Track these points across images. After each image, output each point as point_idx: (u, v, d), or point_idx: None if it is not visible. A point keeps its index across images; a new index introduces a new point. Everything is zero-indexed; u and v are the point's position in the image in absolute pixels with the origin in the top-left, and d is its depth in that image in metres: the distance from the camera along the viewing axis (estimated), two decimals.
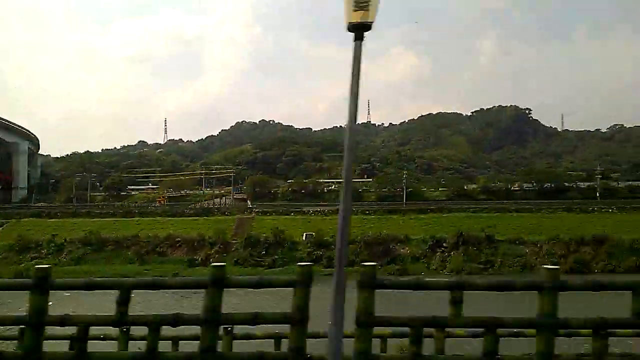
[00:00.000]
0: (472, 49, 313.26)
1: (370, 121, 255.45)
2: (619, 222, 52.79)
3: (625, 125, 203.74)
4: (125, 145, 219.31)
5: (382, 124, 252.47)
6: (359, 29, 3.69)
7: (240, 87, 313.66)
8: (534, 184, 65.71)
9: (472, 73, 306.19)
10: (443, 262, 46.96)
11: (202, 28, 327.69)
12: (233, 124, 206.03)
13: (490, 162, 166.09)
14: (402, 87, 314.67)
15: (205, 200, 67.13)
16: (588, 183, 63.64)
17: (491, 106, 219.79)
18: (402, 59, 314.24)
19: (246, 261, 44.91)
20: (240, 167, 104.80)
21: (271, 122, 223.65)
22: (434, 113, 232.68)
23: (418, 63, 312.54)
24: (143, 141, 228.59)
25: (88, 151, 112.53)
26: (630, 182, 65.38)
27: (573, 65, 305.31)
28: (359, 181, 79.47)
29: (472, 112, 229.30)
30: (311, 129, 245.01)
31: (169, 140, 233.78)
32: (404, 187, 65.40)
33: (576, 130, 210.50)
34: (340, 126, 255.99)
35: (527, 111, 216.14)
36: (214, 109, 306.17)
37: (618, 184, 64.71)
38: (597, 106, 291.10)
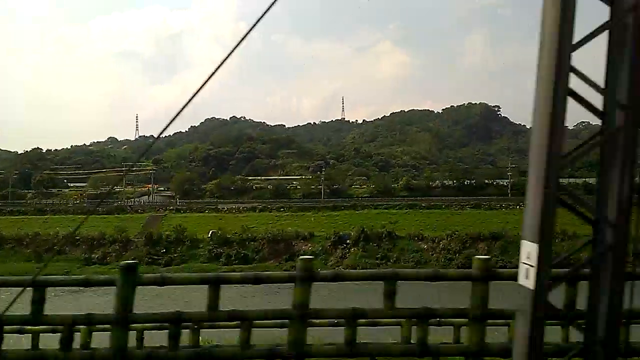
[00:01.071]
0: (460, 46, 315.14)
1: (344, 118, 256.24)
2: (518, 218, 54.09)
3: (591, 123, 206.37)
4: (96, 141, 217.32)
5: (356, 120, 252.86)
6: None
7: (223, 84, 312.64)
8: (454, 182, 66.90)
9: (459, 70, 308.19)
10: (342, 258, 47.79)
11: (186, 24, 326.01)
12: (202, 120, 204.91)
13: (454, 159, 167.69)
14: (389, 84, 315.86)
15: (130, 198, 67.32)
16: (506, 180, 64.87)
17: (461, 103, 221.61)
18: (391, 56, 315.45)
19: (142, 259, 45.19)
20: (166, 164, 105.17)
21: (242, 119, 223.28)
22: (406, 110, 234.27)
23: (406, 60, 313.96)
24: (113, 137, 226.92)
25: (37, 148, 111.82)
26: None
27: None
28: (287, 178, 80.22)
29: (442, 109, 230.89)
30: (284, 125, 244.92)
31: (140, 136, 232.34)
32: (322, 185, 66.24)
33: None
34: (314, 123, 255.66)
35: (496, 108, 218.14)
36: (195, 105, 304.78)
37: None
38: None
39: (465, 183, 66.46)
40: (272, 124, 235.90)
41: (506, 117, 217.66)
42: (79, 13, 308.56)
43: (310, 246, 49.23)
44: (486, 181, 67.17)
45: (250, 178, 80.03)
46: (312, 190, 66.59)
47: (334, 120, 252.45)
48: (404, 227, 52.10)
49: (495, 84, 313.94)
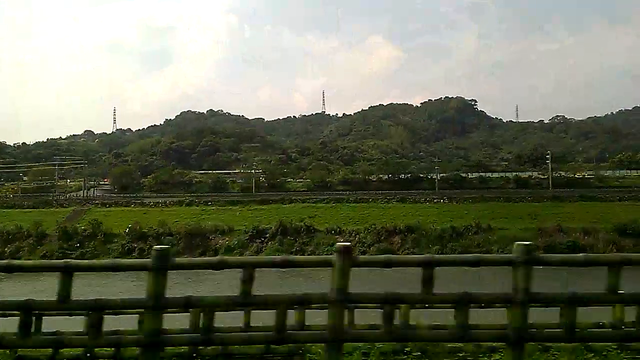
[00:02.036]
0: (449, 41, 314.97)
1: (324, 111, 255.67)
2: (445, 211, 54.71)
3: (566, 117, 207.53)
4: (71, 134, 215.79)
5: (337, 114, 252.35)
6: None
7: (210, 77, 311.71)
8: (390, 176, 67.42)
9: (448, 64, 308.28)
10: (258, 252, 48.08)
11: (175, 16, 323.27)
12: (178, 113, 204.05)
13: (426, 153, 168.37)
14: (379, 77, 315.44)
15: (67, 192, 67.33)
16: (443, 174, 65.40)
17: (438, 97, 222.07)
18: (381, 50, 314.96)
19: (54, 253, 45.29)
20: (126, 157, 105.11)
21: (219, 112, 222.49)
22: (385, 104, 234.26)
23: (396, 54, 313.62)
24: (89, 131, 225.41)
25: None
26: (482, 174, 67.39)
27: (548, 59, 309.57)
28: (226, 173, 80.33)
29: (420, 103, 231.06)
30: (263, 119, 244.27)
31: (118, 129, 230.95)
32: (259, 178, 66.59)
33: (520, 121, 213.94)
34: (294, 116, 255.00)
35: (472, 102, 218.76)
36: (180, 98, 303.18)
37: (468, 175, 66.58)
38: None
39: (401, 177, 66.99)
40: (251, 118, 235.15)
41: (483, 112, 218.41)
42: (70, 2, 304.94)
43: (227, 240, 49.51)
44: (421, 175, 67.68)
45: (195, 173, 79.88)
46: (250, 184, 66.67)
47: (314, 113, 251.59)
48: (326, 221, 52.56)
49: (481, 78, 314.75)
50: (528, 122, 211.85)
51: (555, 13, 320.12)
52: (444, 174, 64.97)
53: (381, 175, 68.82)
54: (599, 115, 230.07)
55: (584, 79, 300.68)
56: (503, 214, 53.66)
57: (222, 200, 57.19)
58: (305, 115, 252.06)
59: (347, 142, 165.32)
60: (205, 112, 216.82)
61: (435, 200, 56.18)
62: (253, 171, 70.09)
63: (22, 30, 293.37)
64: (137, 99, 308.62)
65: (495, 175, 68.02)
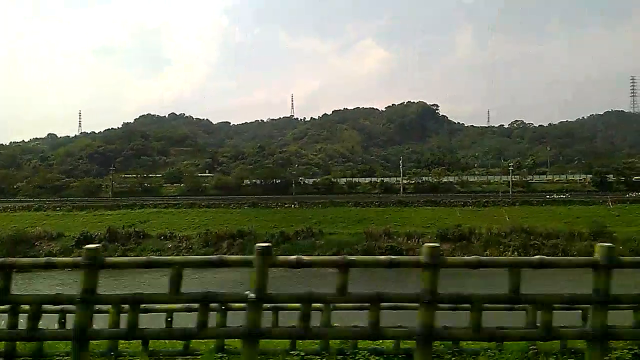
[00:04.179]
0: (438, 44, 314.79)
1: (293, 115, 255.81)
2: (291, 215, 54.77)
3: (524, 121, 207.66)
4: (34, 137, 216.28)
5: (304, 118, 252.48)
6: None
7: (199, 80, 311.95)
8: (263, 181, 67.42)
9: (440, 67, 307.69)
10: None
11: (166, 18, 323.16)
12: (137, 117, 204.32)
13: (377, 157, 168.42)
14: (365, 80, 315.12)
15: None
16: (315, 180, 65.42)
17: (401, 102, 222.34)
18: (371, 53, 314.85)
19: None
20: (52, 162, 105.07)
21: (182, 115, 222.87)
22: (350, 108, 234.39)
23: (386, 57, 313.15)
24: (53, 134, 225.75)
25: None
26: (354, 179, 67.45)
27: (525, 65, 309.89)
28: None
29: (385, 107, 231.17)
30: (229, 122, 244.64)
31: (82, 132, 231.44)
32: (112, 183, 66.59)
33: (480, 125, 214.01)
34: (262, 120, 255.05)
35: (434, 107, 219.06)
36: (167, 100, 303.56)
37: (337, 180, 66.62)
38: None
39: (275, 182, 66.98)
40: (215, 122, 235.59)
41: (444, 116, 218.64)
42: (57, 4, 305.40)
43: (53, 246, 49.43)
44: (300, 180, 67.67)
45: (67, 178, 79.79)
46: (124, 189, 66.74)
47: (281, 117, 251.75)
48: (165, 227, 52.57)
49: (451, 83, 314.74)
50: (488, 126, 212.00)
51: (541, 17, 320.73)
52: (316, 180, 64.97)
53: (255, 180, 68.78)
54: (570, 120, 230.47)
55: (558, 84, 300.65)
56: (344, 217, 53.70)
57: (69, 205, 57.14)
58: (273, 119, 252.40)
59: (295, 147, 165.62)
60: (166, 116, 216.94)
61: (286, 205, 56.16)
62: (124, 176, 70.01)
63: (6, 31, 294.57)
64: (126, 101, 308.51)
65: (367, 180, 67.96)
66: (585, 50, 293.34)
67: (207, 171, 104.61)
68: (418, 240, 47.99)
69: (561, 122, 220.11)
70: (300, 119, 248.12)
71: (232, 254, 48.67)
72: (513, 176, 59.82)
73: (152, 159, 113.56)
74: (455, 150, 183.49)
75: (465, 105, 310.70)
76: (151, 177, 75.34)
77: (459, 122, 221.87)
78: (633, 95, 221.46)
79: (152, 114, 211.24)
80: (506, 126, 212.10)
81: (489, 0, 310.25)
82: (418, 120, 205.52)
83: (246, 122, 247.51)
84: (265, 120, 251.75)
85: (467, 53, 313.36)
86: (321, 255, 44.83)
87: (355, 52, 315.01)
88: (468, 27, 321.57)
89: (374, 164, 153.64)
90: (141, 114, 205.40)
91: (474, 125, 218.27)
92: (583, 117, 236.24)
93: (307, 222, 52.37)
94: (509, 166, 67.21)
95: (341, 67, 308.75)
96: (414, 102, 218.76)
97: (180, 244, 49.39)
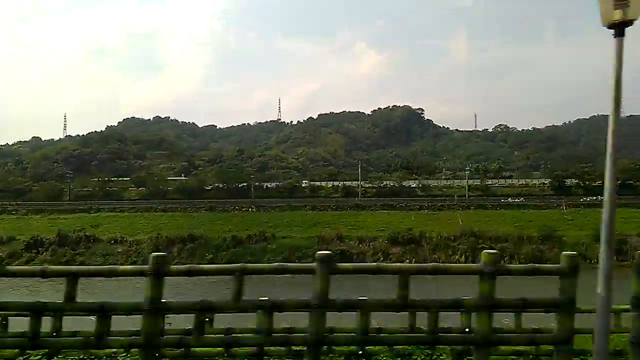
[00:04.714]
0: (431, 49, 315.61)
1: (279, 119, 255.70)
2: (247, 219, 54.58)
3: (508, 126, 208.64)
4: (18, 140, 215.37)
5: (291, 122, 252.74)
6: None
7: (194, 82, 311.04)
8: (223, 185, 67.21)
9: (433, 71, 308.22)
10: (28, 262, 47.51)
11: (160, 21, 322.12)
12: (120, 120, 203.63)
13: (360, 160, 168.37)
14: (363, 83, 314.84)
15: None
16: (278, 183, 65.31)
17: (385, 106, 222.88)
18: (365, 57, 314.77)
19: None
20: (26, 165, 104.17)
21: (166, 119, 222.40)
22: (337, 112, 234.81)
23: (380, 60, 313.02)
24: (37, 137, 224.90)
25: None
26: (317, 183, 67.45)
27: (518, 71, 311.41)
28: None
29: (371, 111, 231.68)
30: (215, 126, 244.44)
31: (67, 136, 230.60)
32: (69, 187, 66.16)
33: (465, 130, 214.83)
34: (249, 124, 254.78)
35: (419, 111, 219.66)
36: (161, 103, 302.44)
37: (300, 184, 66.58)
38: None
39: (238, 186, 66.75)
40: (202, 125, 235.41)
41: (430, 120, 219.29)
42: (52, 6, 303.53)
43: (3, 250, 48.85)
44: (257, 184, 67.50)
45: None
46: (85, 192, 66.26)
47: (268, 121, 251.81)
48: (111, 231, 52.16)
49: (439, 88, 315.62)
50: (473, 131, 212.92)
51: (534, 24, 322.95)
52: (279, 183, 64.81)
53: (218, 184, 68.51)
54: (557, 124, 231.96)
55: (547, 88, 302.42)
56: (300, 221, 53.52)
57: (25, 209, 56.66)
58: (260, 123, 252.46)
59: (278, 150, 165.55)
60: (151, 119, 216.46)
61: (243, 209, 55.94)
62: (98, 180, 69.53)
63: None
64: (118, 104, 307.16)
65: (330, 184, 67.93)
66: (578, 55, 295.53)
67: (182, 175, 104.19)
68: (369, 244, 47.99)
69: (547, 126, 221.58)
70: (288, 123, 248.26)
71: (182, 259, 48.56)
72: (474, 180, 59.88)
73: (128, 163, 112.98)
74: (439, 154, 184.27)
75: (457, 109, 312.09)
76: (114, 180, 74.88)
77: (444, 126, 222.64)
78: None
79: (136, 117, 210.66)
80: (490, 130, 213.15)
81: (482, 7, 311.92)
82: (403, 124, 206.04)
83: (233, 126, 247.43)
84: (252, 124, 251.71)
85: (459, 58, 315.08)
86: (270, 260, 44.53)
87: (349, 56, 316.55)
88: (461, 33, 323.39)
89: (356, 168, 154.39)
90: (125, 117, 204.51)
91: (459, 129, 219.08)
92: (570, 122, 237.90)
93: (263, 225, 52.12)
94: (466, 170, 67.35)
95: (335, 71, 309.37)
96: (399, 106, 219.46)
97: (130, 249, 49.01)
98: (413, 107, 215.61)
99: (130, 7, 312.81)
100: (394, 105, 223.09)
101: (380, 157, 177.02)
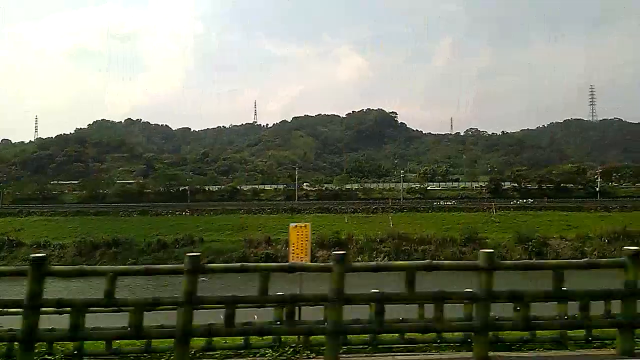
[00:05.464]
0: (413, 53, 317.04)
1: (256, 122, 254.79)
2: (179, 223, 54.16)
3: (479, 130, 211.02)
4: None
5: (267, 124, 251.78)
6: None
7: (173, 85, 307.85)
8: (163, 188, 66.63)
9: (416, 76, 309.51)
10: None
11: (141, 23, 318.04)
12: (90, 122, 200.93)
13: (330, 164, 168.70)
14: (346, 87, 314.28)
15: None
16: (220, 186, 64.96)
17: (359, 109, 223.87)
18: (348, 61, 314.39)
19: None
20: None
21: (138, 121, 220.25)
22: (313, 115, 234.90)
23: (364, 65, 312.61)
24: (6, 139, 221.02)
25: None
26: (260, 186, 67.32)
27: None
28: None
29: (346, 114, 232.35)
30: (189, 128, 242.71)
31: (38, 138, 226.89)
32: (1, 191, 65.03)
33: (436, 133, 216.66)
34: (224, 126, 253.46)
35: (392, 114, 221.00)
36: (141, 106, 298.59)
37: (241, 187, 66.34)
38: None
39: (179, 189, 66.18)
40: (175, 128, 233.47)
41: (404, 124, 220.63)
42: (32, 8, 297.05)
43: None
44: (198, 187, 67.03)
45: None
46: (23, 195, 64.99)
47: (244, 124, 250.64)
48: (37, 236, 51.25)
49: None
50: (445, 134, 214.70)
51: (517, 29, 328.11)
52: (221, 186, 64.46)
53: (159, 188, 67.84)
54: (531, 128, 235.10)
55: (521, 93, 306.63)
56: (233, 225, 53.23)
57: None
58: (235, 126, 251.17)
59: (247, 153, 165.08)
60: (122, 122, 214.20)
61: (177, 213, 55.43)
62: (25, 184, 68.33)
63: None
64: (95, 106, 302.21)
65: (272, 187, 67.78)
66: (559, 61, 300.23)
67: (141, 178, 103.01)
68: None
69: (522, 130, 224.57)
70: (263, 126, 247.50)
71: (104, 263, 47.78)
72: (413, 183, 60.28)
73: (86, 166, 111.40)
74: (411, 157, 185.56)
75: (436, 113, 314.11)
76: (53, 183, 73.68)
77: (417, 130, 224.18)
78: (592, 104, 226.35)
79: (107, 119, 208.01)
80: (462, 134, 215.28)
81: (466, 13, 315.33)
82: (376, 128, 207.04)
83: (207, 128, 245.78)
84: (227, 127, 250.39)
85: (439, 62, 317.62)
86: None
87: (332, 60, 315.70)
88: (444, 38, 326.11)
89: (326, 171, 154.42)
90: (95, 120, 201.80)
91: (432, 132, 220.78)
92: (544, 125, 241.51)
93: (194, 229, 51.68)
94: (402, 174, 67.83)
95: (318, 74, 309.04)
96: (373, 109, 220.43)
97: (53, 253, 48.10)
98: (387, 111, 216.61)
99: (112, 10, 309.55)
100: (368, 109, 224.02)
101: (351, 160, 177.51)
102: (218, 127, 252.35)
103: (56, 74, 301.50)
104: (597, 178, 55.78)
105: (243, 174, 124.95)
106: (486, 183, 63.37)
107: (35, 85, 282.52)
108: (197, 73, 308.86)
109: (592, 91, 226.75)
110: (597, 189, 54.31)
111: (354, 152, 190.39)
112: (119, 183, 74.04)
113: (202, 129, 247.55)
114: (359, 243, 47.55)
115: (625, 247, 5.15)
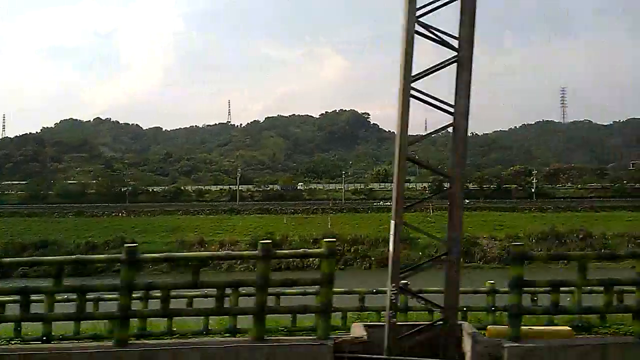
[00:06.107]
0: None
1: (229, 122, 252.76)
2: (115, 224, 53.26)
3: (449, 131, 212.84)
4: None
5: (241, 124, 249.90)
6: None
7: (153, 83, 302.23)
8: (105, 189, 65.66)
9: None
10: None
11: (121, 21, 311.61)
12: (58, 122, 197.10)
13: (299, 164, 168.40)
14: (328, 87, 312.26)
15: None
16: (163, 187, 64.21)
17: (332, 110, 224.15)
18: (330, 62, 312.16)
19: None
20: None
21: (107, 120, 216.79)
22: (287, 115, 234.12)
23: (346, 66, 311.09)
24: None
25: None
26: (205, 187, 66.69)
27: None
28: None
29: (319, 115, 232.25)
30: (161, 128, 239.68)
31: (5, 137, 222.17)
32: None
33: (409, 134, 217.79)
34: (196, 126, 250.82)
35: (365, 115, 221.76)
36: (120, 105, 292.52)
37: (185, 188, 65.74)
38: None
39: (122, 190, 65.19)
40: (146, 127, 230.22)
41: (376, 124, 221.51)
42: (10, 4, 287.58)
43: None
44: (144, 187, 66.12)
45: None
46: None
47: (217, 123, 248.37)
48: None
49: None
50: (416, 135, 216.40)
51: (494, 31, 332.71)
52: (163, 187, 63.69)
53: (103, 188, 66.77)
54: (504, 129, 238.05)
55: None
56: (169, 226, 52.56)
57: None
58: (208, 125, 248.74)
59: (217, 153, 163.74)
60: (91, 120, 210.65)
61: (113, 214, 54.49)
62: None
63: None
64: (71, 104, 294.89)
65: (217, 188, 67.26)
66: (530, 63, 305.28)
67: (99, 178, 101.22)
68: (230, 248, 47.46)
69: (495, 131, 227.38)
70: (237, 125, 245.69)
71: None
72: (358, 184, 60.42)
73: (43, 166, 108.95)
74: (381, 158, 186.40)
75: (415, 115, 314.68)
76: (3, 184, 71.94)
77: (389, 131, 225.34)
78: (563, 106, 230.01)
79: (74, 118, 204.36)
80: (433, 135, 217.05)
81: (449, 16, 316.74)
82: (348, 128, 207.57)
83: (180, 128, 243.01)
84: (200, 126, 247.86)
85: (420, 63, 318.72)
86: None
87: (314, 61, 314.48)
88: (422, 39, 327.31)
89: (294, 172, 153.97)
90: (62, 119, 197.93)
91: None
92: (516, 127, 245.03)
93: (129, 231, 50.81)
94: (342, 175, 68.00)
95: (300, 75, 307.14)
96: (345, 110, 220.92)
97: None
98: (359, 112, 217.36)
99: (91, 8, 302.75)
100: (341, 109, 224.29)
101: (322, 161, 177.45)
102: (191, 126, 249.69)
103: (31, 73, 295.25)
104: (533, 179, 56.64)
105: (207, 175, 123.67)
106: (429, 184, 63.89)
107: (7, 84, 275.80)
108: (175, 72, 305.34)
109: (563, 93, 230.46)
110: (533, 190, 55.14)
111: (325, 153, 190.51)
112: (65, 183, 72.51)
113: (174, 128, 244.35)
114: (292, 244, 47.34)
115: None
